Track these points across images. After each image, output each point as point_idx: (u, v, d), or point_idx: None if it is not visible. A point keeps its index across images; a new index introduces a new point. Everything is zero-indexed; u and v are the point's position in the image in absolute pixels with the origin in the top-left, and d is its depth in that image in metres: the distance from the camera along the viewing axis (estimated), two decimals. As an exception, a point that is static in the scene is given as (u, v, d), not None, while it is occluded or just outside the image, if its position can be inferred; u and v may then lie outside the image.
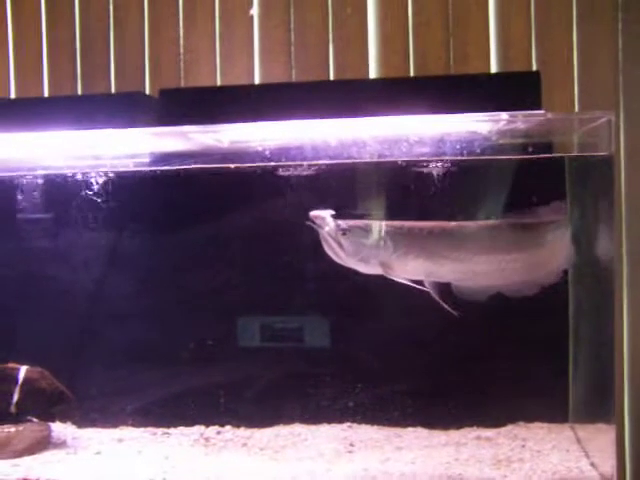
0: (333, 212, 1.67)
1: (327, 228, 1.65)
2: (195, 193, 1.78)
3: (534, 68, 2.06)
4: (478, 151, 1.58)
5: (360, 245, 1.65)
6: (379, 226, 1.67)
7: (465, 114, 1.57)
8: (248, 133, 1.58)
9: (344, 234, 1.64)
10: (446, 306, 1.64)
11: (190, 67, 2.22)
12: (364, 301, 1.84)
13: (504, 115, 1.56)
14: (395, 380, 1.90)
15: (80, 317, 1.97)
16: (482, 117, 1.59)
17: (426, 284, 1.67)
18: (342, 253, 1.65)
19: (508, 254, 1.68)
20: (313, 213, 1.66)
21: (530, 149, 1.61)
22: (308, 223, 1.66)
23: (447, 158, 1.66)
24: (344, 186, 1.77)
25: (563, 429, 1.81)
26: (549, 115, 1.57)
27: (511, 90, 1.67)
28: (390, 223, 1.67)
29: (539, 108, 1.63)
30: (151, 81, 2.24)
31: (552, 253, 1.70)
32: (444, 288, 1.67)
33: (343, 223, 1.66)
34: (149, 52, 2.26)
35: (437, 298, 1.65)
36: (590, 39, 2.06)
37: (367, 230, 1.66)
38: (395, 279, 1.66)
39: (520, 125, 1.62)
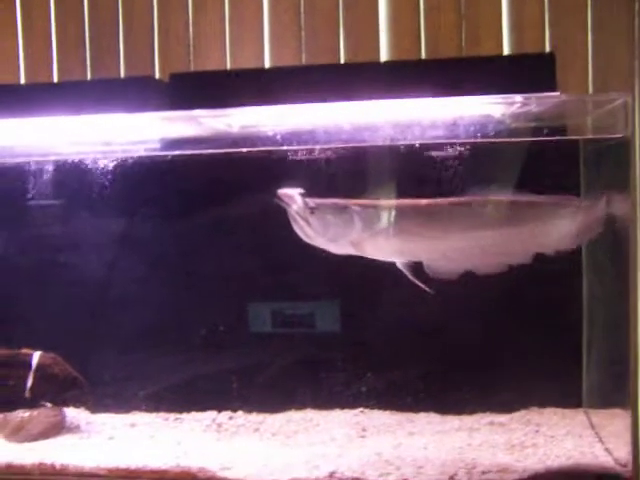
0: (302, 190, 1.63)
1: (295, 206, 1.62)
2: (207, 178, 1.77)
3: (547, 50, 2.03)
4: (492, 134, 1.56)
5: (329, 224, 1.62)
6: (348, 204, 1.63)
7: (478, 96, 1.55)
8: (259, 117, 1.57)
9: (312, 212, 1.61)
10: (421, 285, 1.62)
11: (199, 52, 2.21)
12: (377, 285, 1.83)
13: (518, 97, 1.54)
14: (407, 365, 1.90)
15: (93, 303, 1.97)
16: (496, 99, 1.57)
17: (398, 263, 1.64)
18: (311, 232, 1.62)
19: (481, 232, 1.64)
20: (281, 191, 1.63)
21: (545, 132, 1.58)
22: (276, 201, 1.63)
23: (459, 141, 1.65)
24: (356, 170, 1.76)
25: (577, 414, 1.80)
26: (564, 97, 1.54)
27: (525, 72, 1.64)
28: (360, 201, 1.64)
29: (554, 91, 1.60)
30: (160, 66, 2.23)
31: (525, 234, 1.65)
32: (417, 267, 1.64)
33: (311, 201, 1.62)
34: (158, 37, 2.24)
35: (411, 277, 1.63)
36: (605, 20, 2.02)
37: (336, 209, 1.62)
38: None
39: (534, 108, 1.59)
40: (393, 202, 1.64)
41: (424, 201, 1.63)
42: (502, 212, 1.64)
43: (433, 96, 1.57)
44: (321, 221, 1.61)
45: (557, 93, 1.58)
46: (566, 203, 1.65)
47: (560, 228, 1.64)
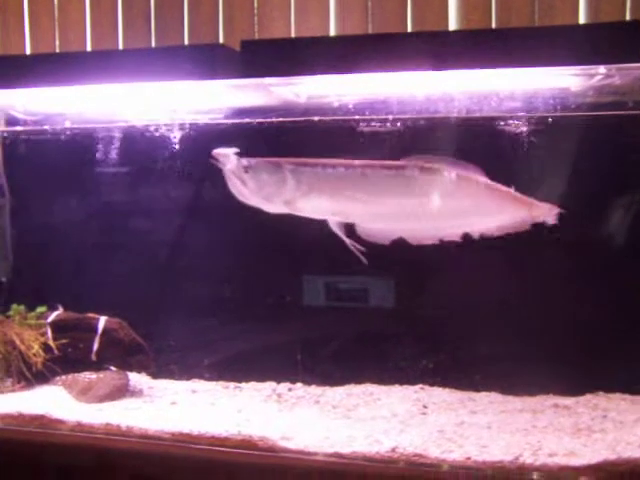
0: (237, 150, 1.64)
1: (230, 166, 1.63)
2: (274, 146, 1.75)
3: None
4: (572, 107, 1.50)
5: (263, 183, 1.63)
6: (282, 163, 1.63)
7: (557, 67, 1.48)
8: (331, 86, 1.54)
9: (246, 171, 1.63)
10: (351, 246, 1.60)
11: (264, 20, 2.18)
12: (444, 262, 1.80)
13: (601, 69, 1.47)
14: (468, 343, 1.87)
15: (160, 271, 2.00)
16: (576, 71, 1.50)
17: (330, 223, 1.63)
18: (245, 191, 1.64)
19: (412, 199, 1.62)
20: (215, 151, 1.64)
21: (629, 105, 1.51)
22: (211, 161, 1.64)
23: (530, 115, 1.59)
24: (423, 140, 1.72)
25: (647, 401, 1.74)
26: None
27: (611, 42, 1.56)
28: (293, 160, 1.64)
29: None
30: (225, 35, 2.22)
31: (458, 209, 1.62)
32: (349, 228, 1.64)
33: (245, 160, 1.64)
34: (223, 5, 2.23)
35: (343, 238, 1.62)
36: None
37: (270, 167, 1.63)
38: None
39: (617, 80, 1.52)
40: (326, 162, 1.63)
41: (357, 162, 1.61)
42: (438, 182, 1.61)
43: (506, 67, 1.51)
44: (255, 180, 1.63)
45: (644, 64, 1.49)
46: (506, 191, 1.61)
47: (498, 216, 1.61)
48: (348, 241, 1.63)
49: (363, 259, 1.64)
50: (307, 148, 1.77)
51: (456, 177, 1.60)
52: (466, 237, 1.63)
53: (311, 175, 1.63)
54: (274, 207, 1.66)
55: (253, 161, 1.64)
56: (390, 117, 1.64)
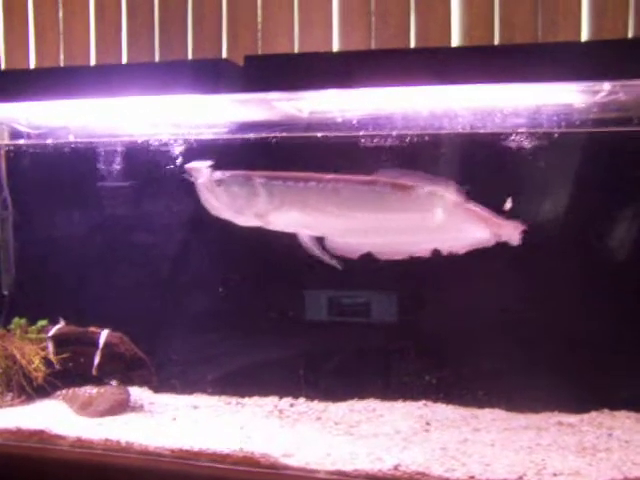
0: (210, 163, 1.65)
1: (202, 179, 1.65)
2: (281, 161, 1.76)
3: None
4: (577, 123, 1.50)
5: (235, 196, 1.64)
6: (254, 177, 1.64)
7: (562, 84, 1.48)
8: (334, 101, 1.54)
9: (219, 185, 1.64)
10: (324, 259, 1.61)
11: (267, 36, 2.19)
12: (449, 277, 1.79)
13: (606, 85, 1.46)
14: (471, 359, 1.85)
15: (162, 285, 1.99)
16: (580, 87, 1.50)
17: (300, 237, 1.64)
18: (218, 204, 1.65)
19: (382, 214, 1.62)
20: (188, 165, 1.66)
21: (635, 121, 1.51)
22: (184, 175, 1.65)
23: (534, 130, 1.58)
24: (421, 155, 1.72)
25: (653, 419, 1.73)
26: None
27: (615, 59, 1.56)
28: (265, 174, 1.65)
29: (644, 78, 1.52)
30: (228, 49, 2.23)
31: (428, 222, 1.62)
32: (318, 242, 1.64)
33: (218, 174, 1.65)
34: (227, 21, 2.24)
35: (313, 251, 1.63)
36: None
37: (241, 181, 1.64)
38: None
39: (622, 96, 1.52)
40: (298, 175, 1.64)
41: (329, 176, 1.62)
42: (408, 198, 1.61)
43: (509, 83, 1.51)
44: (227, 193, 1.65)
45: (650, 81, 1.49)
46: (473, 209, 1.61)
47: (463, 233, 1.61)
48: (320, 254, 1.63)
49: (338, 266, 1.64)
50: (308, 163, 1.78)
51: (426, 193, 1.61)
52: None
53: (283, 189, 1.64)
54: (246, 220, 1.68)
55: (225, 174, 1.66)
56: (393, 133, 1.64)
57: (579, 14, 2.03)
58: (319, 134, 1.59)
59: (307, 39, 2.17)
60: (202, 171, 1.65)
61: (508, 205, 1.59)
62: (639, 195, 1.74)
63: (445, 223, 1.61)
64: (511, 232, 1.60)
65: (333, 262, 1.63)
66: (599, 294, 1.77)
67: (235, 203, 1.65)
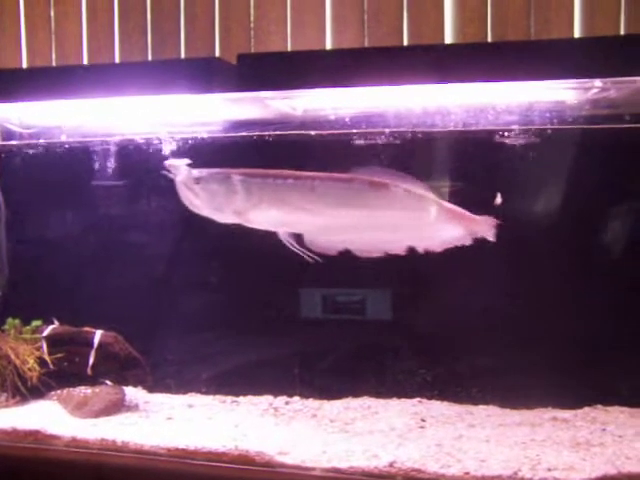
0: (188, 161, 1.66)
1: (180, 177, 1.65)
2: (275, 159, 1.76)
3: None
4: (569, 120, 1.50)
5: (214, 194, 1.65)
6: (233, 174, 1.64)
7: (553, 81, 1.49)
8: (328, 99, 1.54)
9: (197, 182, 1.64)
10: (303, 253, 1.62)
11: (260, 34, 2.19)
12: (440, 273, 1.80)
13: (597, 82, 1.47)
14: (465, 357, 1.86)
15: (156, 285, 1.99)
16: (572, 84, 1.51)
17: (280, 235, 1.65)
18: (196, 201, 1.65)
19: (359, 211, 1.63)
20: (167, 162, 1.66)
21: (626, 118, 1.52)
22: (163, 172, 1.65)
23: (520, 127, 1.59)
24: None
25: (646, 414, 1.74)
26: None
27: (607, 56, 1.57)
28: (244, 171, 1.65)
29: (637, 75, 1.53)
30: (221, 48, 2.23)
31: (404, 220, 1.63)
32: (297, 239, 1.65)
33: (196, 171, 1.65)
34: (219, 19, 2.23)
35: (294, 248, 1.63)
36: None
37: (221, 178, 1.65)
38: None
39: (613, 93, 1.53)
40: (277, 173, 1.65)
41: (307, 174, 1.63)
42: (386, 196, 1.62)
43: (502, 80, 1.52)
44: (206, 191, 1.65)
45: (639, 78, 1.50)
46: (447, 206, 1.62)
47: (438, 231, 1.63)
48: (299, 250, 1.64)
49: (318, 260, 1.64)
50: (303, 161, 1.78)
51: (402, 191, 1.62)
52: (418, 251, 1.64)
53: (261, 186, 1.64)
54: (225, 218, 1.68)
55: (204, 172, 1.66)
56: (387, 130, 1.64)
57: (572, 11, 2.04)
58: (313, 132, 1.59)
59: (300, 37, 2.17)
60: (180, 169, 1.66)
61: (498, 201, 1.60)
62: (631, 192, 1.75)
63: (420, 221, 1.63)
64: (485, 228, 1.61)
65: (313, 259, 1.63)
66: (592, 290, 1.78)
67: (214, 201, 1.65)
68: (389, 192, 1.61)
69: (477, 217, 1.62)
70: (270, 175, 1.64)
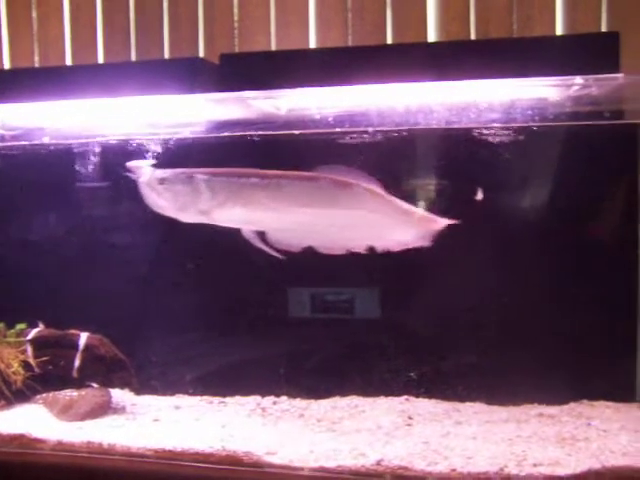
0: (152, 162, 1.67)
1: (144, 178, 1.66)
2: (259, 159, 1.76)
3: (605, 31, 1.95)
4: (551, 117, 1.51)
5: (178, 194, 1.65)
6: (196, 174, 1.65)
7: (535, 78, 1.50)
8: (312, 98, 1.54)
9: (161, 183, 1.65)
10: (269, 250, 1.63)
11: (244, 34, 2.19)
12: (425, 272, 1.80)
13: (578, 79, 1.48)
14: (451, 354, 1.87)
15: (141, 286, 1.98)
16: (553, 81, 1.52)
17: (244, 232, 1.66)
18: (161, 202, 1.66)
19: (323, 210, 1.65)
20: (130, 163, 1.68)
21: (606, 115, 1.53)
22: (127, 174, 1.67)
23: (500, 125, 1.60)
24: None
25: (631, 409, 1.74)
26: (627, 78, 1.48)
27: (588, 53, 1.58)
28: (207, 170, 1.66)
29: (617, 72, 1.54)
30: (205, 48, 2.22)
31: (360, 218, 1.65)
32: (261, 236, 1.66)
33: (160, 172, 1.66)
34: (203, 20, 2.23)
35: (259, 246, 1.65)
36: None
37: (184, 178, 1.65)
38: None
39: (594, 91, 1.54)
40: (240, 172, 1.66)
41: (271, 172, 1.64)
42: (348, 195, 1.64)
43: (485, 78, 1.52)
44: (170, 191, 1.66)
45: (620, 75, 1.51)
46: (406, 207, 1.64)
47: (397, 230, 1.64)
48: (264, 248, 1.65)
49: (280, 256, 1.66)
50: (288, 160, 1.78)
51: (364, 191, 1.63)
52: (405, 250, 1.66)
53: (225, 185, 1.65)
54: (190, 218, 1.68)
55: (167, 173, 1.67)
56: (370, 129, 1.65)
57: (554, 8, 2.05)
58: (297, 132, 1.59)
59: (284, 37, 2.17)
60: (144, 170, 1.66)
61: (479, 196, 1.61)
62: (613, 188, 1.76)
63: (380, 221, 1.64)
64: (441, 228, 1.63)
65: (277, 256, 1.65)
66: (577, 287, 1.79)
67: (178, 201, 1.66)
68: (352, 191, 1.62)
69: (436, 217, 1.64)
70: (234, 174, 1.65)
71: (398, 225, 1.64)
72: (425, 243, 1.63)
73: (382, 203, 1.63)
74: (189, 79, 1.52)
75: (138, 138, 1.77)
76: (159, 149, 1.72)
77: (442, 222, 1.63)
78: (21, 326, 1.89)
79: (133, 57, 2.27)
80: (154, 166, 1.66)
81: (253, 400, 1.90)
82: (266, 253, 1.61)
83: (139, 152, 1.78)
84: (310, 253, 1.83)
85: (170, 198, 1.65)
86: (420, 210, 1.66)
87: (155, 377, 1.96)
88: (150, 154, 1.77)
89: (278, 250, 1.63)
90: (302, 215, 1.64)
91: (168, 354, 1.99)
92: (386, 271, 1.82)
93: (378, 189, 1.62)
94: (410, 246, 1.64)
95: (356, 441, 1.58)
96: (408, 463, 1.45)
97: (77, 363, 1.81)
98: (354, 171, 1.62)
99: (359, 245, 1.64)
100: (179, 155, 1.72)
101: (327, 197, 1.62)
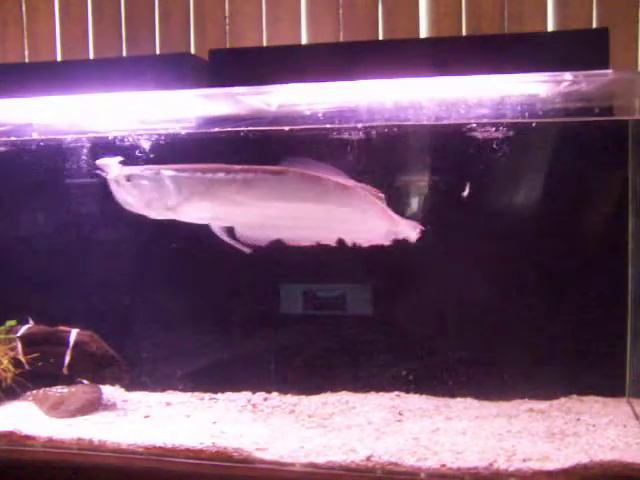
0: (120, 159, 1.67)
1: (112, 175, 1.67)
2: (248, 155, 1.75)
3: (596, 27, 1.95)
4: (540, 114, 1.51)
5: (145, 190, 1.66)
6: (163, 170, 1.66)
7: (526, 74, 1.50)
8: (303, 94, 1.53)
9: (128, 180, 1.66)
10: (237, 245, 1.63)
11: (235, 30, 2.18)
12: (416, 268, 1.80)
13: (567, 75, 1.48)
14: (442, 350, 1.87)
15: (131, 282, 1.97)
16: (543, 77, 1.51)
17: (212, 228, 1.66)
18: (129, 199, 1.67)
19: (290, 204, 1.65)
20: (99, 161, 1.68)
21: (595, 111, 1.53)
22: (95, 171, 1.67)
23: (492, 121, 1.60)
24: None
25: (620, 404, 1.76)
26: (617, 74, 1.48)
27: (578, 49, 1.58)
28: (174, 167, 1.66)
29: (607, 68, 1.54)
30: (196, 44, 2.21)
31: (331, 215, 1.65)
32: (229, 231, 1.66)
33: (127, 169, 1.67)
34: (194, 15, 2.22)
35: (227, 240, 1.65)
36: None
37: (150, 175, 1.66)
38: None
39: (584, 87, 1.53)
40: (207, 167, 1.66)
41: (238, 167, 1.64)
42: (316, 189, 1.63)
43: (475, 74, 1.52)
44: (137, 188, 1.66)
45: (609, 71, 1.51)
46: (374, 203, 1.63)
47: (363, 226, 1.64)
48: (231, 243, 1.65)
49: (248, 251, 1.66)
50: (280, 156, 1.77)
51: (332, 185, 1.63)
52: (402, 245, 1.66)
53: (191, 181, 1.65)
54: (158, 214, 1.69)
55: (135, 169, 1.67)
56: (359, 125, 1.64)
57: (545, 4, 2.05)
58: (286, 127, 1.58)
59: (275, 32, 2.16)
60: (112, 167, 1.66)
61: (466, 192, 1.61)
62: (603, 184, 1.77)
63: (347, 215, 1.64)
64: (408, 231, 1.64)
65: (245, 250, 1.64)
66: (566, 283, 1.79)
67: (145, 197, 1.66)
68: (320, 185, 1.62)
69: (403, 220, 1.65)
70: (200, 169, 1.64)
71: (367, 219, 1.63)
72: (389, 241, 1.63)
73: (349, 197, 1.62)
74: (178, 75, 1.52)
75: (127, 134, 1.77)
76: (147, 145, 1.71)
77: (406, 224, 1.64)
78: (11, 323, 1.89)
79: (124, 52, 2.26)
80: (122, 163, 1.66)
81: (244, 396, 1.90)
82: (258, 249, 1.60)
83: (125, 148, 1.78)
84: (302, 250, 1.84)
85: (137, 195, 1.65)
86: (388, 209, 1.65)
87: (146, 373, 1.96)
88: (137, 150, 1.76)
89: (247, 245, 1.63)
90: (269, 209, 1.63)
91: (159, 350, 1.98)
92: (378, 268, 1.82)
93: (348, 182, 1.62)
94: (379, 242, 1.64)
95: (347, 437, 1.58)
96: (398, 459, 1.46)
97: (67, 359, 1.81)
98: (323, 165, 1.61)
99: (327, 238, 1.64)
100: (167, 151, 1.71)
101: (294, 191, 1.62)
